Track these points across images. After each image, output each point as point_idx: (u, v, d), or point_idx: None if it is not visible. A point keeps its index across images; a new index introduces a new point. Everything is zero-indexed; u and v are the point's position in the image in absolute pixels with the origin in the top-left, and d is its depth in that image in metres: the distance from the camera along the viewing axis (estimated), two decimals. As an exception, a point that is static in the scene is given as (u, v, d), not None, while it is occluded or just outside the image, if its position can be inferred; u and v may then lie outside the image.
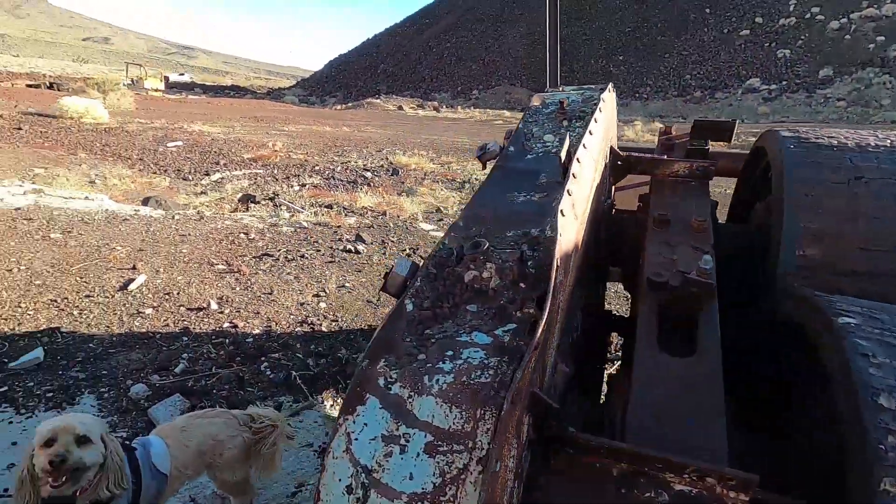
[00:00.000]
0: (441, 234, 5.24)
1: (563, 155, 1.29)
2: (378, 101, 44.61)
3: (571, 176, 1.24)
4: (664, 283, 1.28)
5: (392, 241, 5.18)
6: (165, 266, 3.98)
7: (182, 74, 59.52)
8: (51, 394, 2.40)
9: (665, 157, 1.85)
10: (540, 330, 0.80)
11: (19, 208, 5.23)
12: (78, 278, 3.64)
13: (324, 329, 3.19)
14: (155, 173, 9.05)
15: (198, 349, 2.85)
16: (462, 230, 1.19)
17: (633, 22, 60.52)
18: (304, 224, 5.60)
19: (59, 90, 21.38)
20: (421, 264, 1.12)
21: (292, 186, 8.54)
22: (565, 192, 1.17)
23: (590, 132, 1.49)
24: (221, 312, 3.28)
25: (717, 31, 54.18)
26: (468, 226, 1.20)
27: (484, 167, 1.78)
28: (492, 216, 1.25)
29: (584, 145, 1.38)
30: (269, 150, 11.98)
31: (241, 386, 2.58)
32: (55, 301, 3.26)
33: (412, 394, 0.79)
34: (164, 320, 3.14)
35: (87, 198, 6.07)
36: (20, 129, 10.84)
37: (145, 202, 6.31)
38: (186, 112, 19.78)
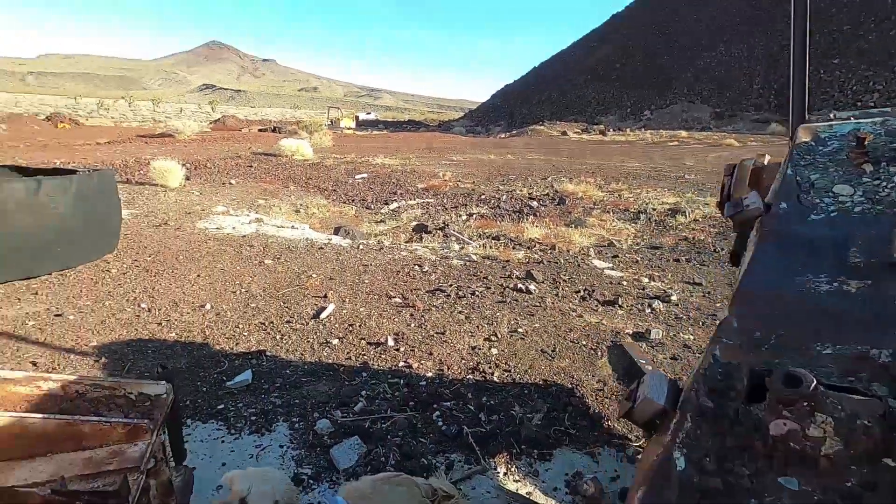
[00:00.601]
0: (617, 273, 4.64)
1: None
2: (542, 127, 44.64)
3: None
4: None
5: (564, 280, 4.83)
6: (350, 296, 4.27)
7: (369, 113, 67.97)
8: (254, 417, 2.63)
9: None
10: None
11: (245, 235, 6.26)
12: (282, 303, 4.10)
13: (495, 379, 3.00)
14: (344, 203, 10.18)
15: (375, 387, 2.89)
16: (738, 334, 0.83)
17: (853, 19, 50.34)
18: (474, 257, 5.60)
19: (279, 133, 26.08)
20: (685, 387, 0.80)
21: (460, 216, 8.77)
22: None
23: (933, 185, 1.00)
24: (397, 350, 3.33)
25: None
26: (747, 326, 0.84)
27: (735, 229, 1.38)
28: (782, 313, 0.86)
29: None
30: (440, 180, 12.63)
31: (415, 435, 2.50)
32: (264, 324, 3.69)
33: None
34: (347, 353, 3.30)
35: (293, 227, 7.03)
36: (251, 166, 13.30)
37: (336, 231, 7.05)
38: (371, 146, 22.27)
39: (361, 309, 4.00)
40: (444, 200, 10.21)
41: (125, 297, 4.15)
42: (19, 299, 4.00)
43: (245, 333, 3.55)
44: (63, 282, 4.43)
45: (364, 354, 3.28)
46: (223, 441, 2.46)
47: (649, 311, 4.13)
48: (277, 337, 3.50)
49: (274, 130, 28.53)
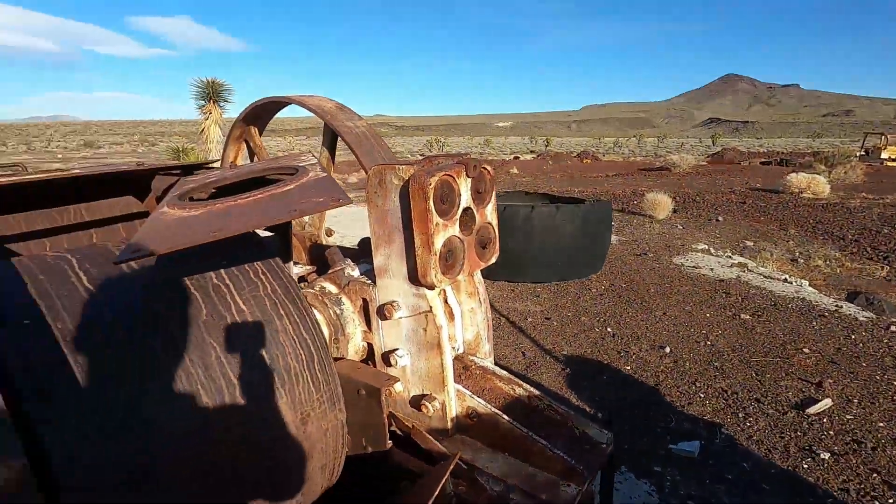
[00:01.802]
0: None
1: None
2: None
3: None
4: None
5: None
6: (862, 397, 3.02)
7: (937, 138, 48.62)
8: (691, 503, 2.23)
9: None
10: None
11: (722, 280, 5.65)
12: (753, 373, 3.38)
13: None
14: (871, 259, 7.60)
15: (889, 561, 1.87)
16: None
17: None
18: None
19: (786, 166, 22.62)
20: None
21: None
22: None
23: None
24: (946, 519, 2.05)
25: None
26: None
27: None
28: None
29: None
30: None
31: None
32: (725, 392, 3.14)
33: None
34: (843, 480, 2.31)
35: (785, 280, 5.80)
36: (745, 202, 12.10)
37: (851, 298, 5.29)
38: (934, 185, 15.75)
39: (880, 424, 2.74)
40: None
41: (597, 317, 4.54)
42: (526, 299, 5.09)
43: (701, 395, 3.12)
44: (556, 291, 5.33)
45: (876, 496, 2.20)
46: (652, 511, 2.20)
47: None
48: (741, 415, 2.89)
49: (780, 163, 25.03)
